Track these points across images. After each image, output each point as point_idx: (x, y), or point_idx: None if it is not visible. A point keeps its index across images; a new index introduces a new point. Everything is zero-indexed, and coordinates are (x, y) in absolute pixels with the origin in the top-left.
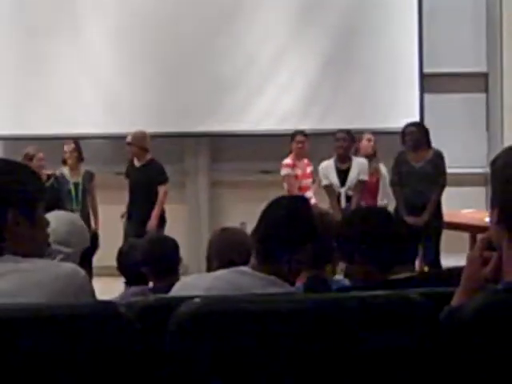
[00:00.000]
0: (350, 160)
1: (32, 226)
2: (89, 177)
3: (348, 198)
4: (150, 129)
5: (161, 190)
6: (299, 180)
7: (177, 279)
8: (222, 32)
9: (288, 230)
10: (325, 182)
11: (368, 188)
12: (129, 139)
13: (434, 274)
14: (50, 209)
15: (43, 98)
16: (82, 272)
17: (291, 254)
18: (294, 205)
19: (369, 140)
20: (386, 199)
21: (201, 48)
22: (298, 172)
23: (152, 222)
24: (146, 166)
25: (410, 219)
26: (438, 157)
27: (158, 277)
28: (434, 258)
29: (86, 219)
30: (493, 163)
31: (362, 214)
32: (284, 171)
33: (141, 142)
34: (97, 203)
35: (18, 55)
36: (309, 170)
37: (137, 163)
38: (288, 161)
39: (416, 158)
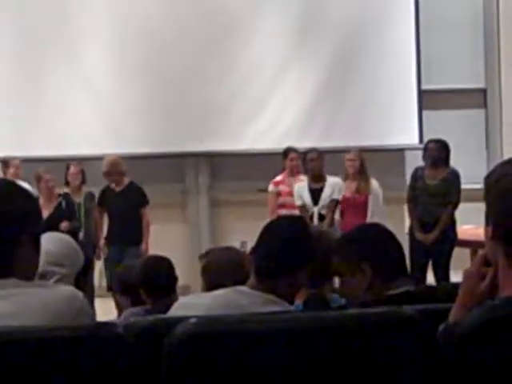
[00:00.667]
0: (323, 180)
1: (37, 250)
2: (90, 198)
3: (321, 217)
4: (150, 149)
5: (144, 213)
6: (283, 197)
7: (175, 299)
8: (221, 51)
9: (287, 251)
10: (298, 203)
11: (356, 206)
12: (105, 169)
13: (432, 289)
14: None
15: (43, 119)
16: (81, 295)
17: (291, 273)
18: (294, 226)
19: (350, 159)
20: (378, 217)
21: (200, 67)
22: (286, 189)
23: (144, 247)
24: (127, 190)
25: (419, 236)
26: (454, 175)
27: (154, 297)
28: (443, 276)
29: (90, 239)
30: (486, 178)
31: (365, 230)
32: (269, 188)
33: (119, 168)
34: (99, 226)
35: (18, 76)
36: None
37: (116, 188)
38: (278, 178)
39: (432, 175)
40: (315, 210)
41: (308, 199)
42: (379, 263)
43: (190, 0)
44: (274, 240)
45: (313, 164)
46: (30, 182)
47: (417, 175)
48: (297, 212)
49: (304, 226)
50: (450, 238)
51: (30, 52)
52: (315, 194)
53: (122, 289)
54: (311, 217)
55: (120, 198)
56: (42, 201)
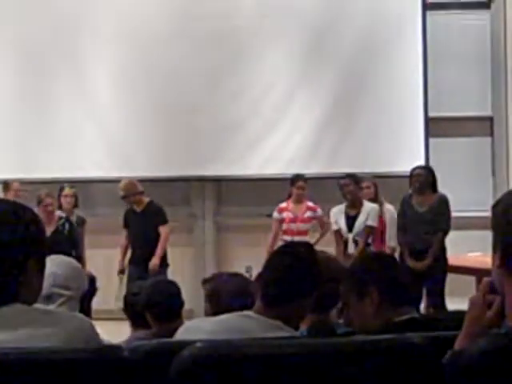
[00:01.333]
0: (360, 205)
1: (42, 273)
2: (81, 222)
3: (356, 244)
4: (156, 173)
5: (163, 230)
6: (287, 223)
7: (180, 324)
8: (228, 76)
9: (294, 277)
10: (334, 227)
11: (375, 232)
12: (121, 193)
13: (438, 316)
14: (61, 251)
15: (49, 142)
16: (89, 321)
17: (298, 300)
18: (300, 252)
19: (367, 187)
20: (394, 241)
21: (206, 92)
22: (289, 215)
23: (154, 261)
24: (146, 210)
25: (411, 263)
26: (443, 202)
27: (160, 321)
28: (439, 302)
29: (80, 262)
30: (494, 207)
31: (371, 257)
32: (274, 214)
33: (133, 190)
34: (84, 251)
35: (23, 101)
36: (308, 214)
37: (137, 209)
38: (283, 204)
39: (420, 202)
40: (350, 236)
41: (343, 225)
42: (386, 289)
43: (199, 23)
44: (281, 266)
45: (348, 190)
46: (31, 205)
47: (405, 203)
48: (298, 238)
49: (311, 253)
50: (442, 265)
51: (36, 75)
52: (350, 220)
53: (126, 308)
54: (345, 242)
55: (140, 217)
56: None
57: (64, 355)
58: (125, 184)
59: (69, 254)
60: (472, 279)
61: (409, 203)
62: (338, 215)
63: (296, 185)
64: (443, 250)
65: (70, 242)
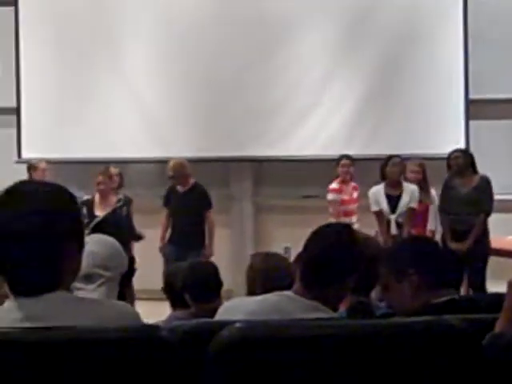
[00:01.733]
0: (401, 186)
1: (80, 255)
2: (128, 202)
3: (398, 225)
4: (194, 153)
5: (209, 216)
6: (345, 205)
7: (219, 304)
8: (267, 58)
9: (334, 259)
10: (375, 208)
11: (415, 216)
12: (170, 173)
13: (477, 299)
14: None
15: (85, 122)
16: (132, 310)
17: (338, 282)
18: (341, 233)
19: (412, 171)
20: (434, 225)
21: (246, 73)
22: (345, 197)
23: (209, 252)
24: (191, 191)
25: (453, 245)
26: (485, 182)
27: (198, 301)
28: (479, 284)
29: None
30: None
31: (411, 239)
32: (330, 196)
33: (182, 171)
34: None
35: (61, 81)
36: (355, 194)
37: (180, 189)
38: (334, 185)
39: (462, 184)
40: (392, 217)
41: (385, 205)
42: (425, 271)
43: (238, 6)
44: (321, 247)
45: (391, 170)
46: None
47: (448, 184)
48: (355, 219)
49: (351, 233)
50: (483, 247)
51: (75, 58)
52: (392, 201)
53: (165, 289)
54: (388, 223)
55: (184, 198)
56: (97, 200)
57: (103, 335)
58: (174, 164)
59: (123, 236)
60: (510, 262)
61: (451, 185)
62: (378, 196)
63: (340, 163)
64: (485, 231)
65: (125, 224)
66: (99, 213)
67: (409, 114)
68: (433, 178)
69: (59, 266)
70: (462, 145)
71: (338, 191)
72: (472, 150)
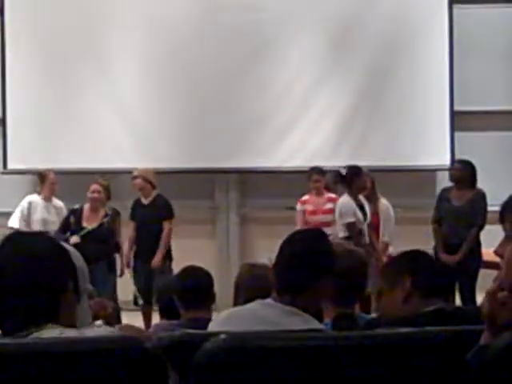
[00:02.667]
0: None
1: (77, 299)
2: (115, 214)
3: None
4: (180, 164)
5: (166, 226)
6: (309, 216)
7: (209, 314)
8: (253, 70)
9: (303, 263)
10: (351, 220)
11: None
12: (135, 173)
13: (467, 310)
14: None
15: (71, 133)
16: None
17: (308, 285)
18: (309, 238)
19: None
20: (388, 237)
21: (232, 85)
22: (309, 208)
23: (156, 258)
24: (154, 202)
25: (444, 257)
26: (480, 197)
27: (187, 308)
28: (470, 297)
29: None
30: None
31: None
32: (297, 207)
33: (147, 175)
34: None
35: (47, 91)
36: (328, 206)
37: (144, 201)
38: (305, 197)
39: (457, 197)
40: (365, 225)
41: (361, 215)
42: (419, 279)
43: (225, 14)
44: (288, 254)
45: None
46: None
47: (443, 196)
48: (331, 231)
49: (318, 239)
50: (475, 260)
51: (61, 69)
52: (362, 210)
53: (157, 298)
54: (361, 232)
55: (147, 209)
56: (86, 211)
57: (86, 346)
58: (143, 168)
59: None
60: (495, 274)
61: (445, 196)
62: (353, 207)
63: (311, 178)
64: (478, 245)
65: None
66: (86, 224)
67: (394, 125)
68: (418, 189)
69: (57, 305)
70: (447, 157)
71: (305, 202)
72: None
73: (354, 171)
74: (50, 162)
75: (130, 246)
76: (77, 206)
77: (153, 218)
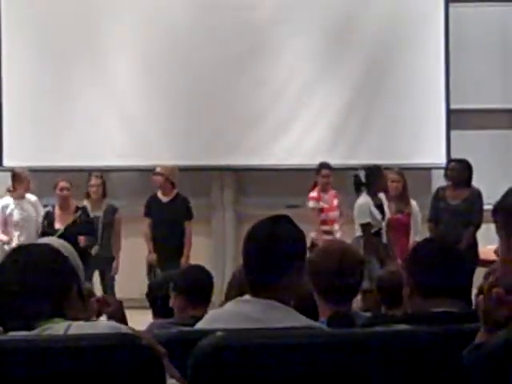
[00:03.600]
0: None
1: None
2: (112, 210)
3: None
4: (176, 161)
5: (188, 226)
6: (325, 213)
7: (204, 312)
8: (250, 67)
9: (261, 257)
10: (367, 220)
11: (399, 226)
12: (158, 169)
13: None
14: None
15: (69, 130)
16: (122, 327)
17: (278, 275)
18: (263, 229)
19: (394, 181)
20: (418, 237)
21: (228, 83)
22: (324, 205)
23: (185, 260)
24: (174, 201)
25: None
26: (476, 196)
27: (186, 306)
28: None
29: (107, 253)
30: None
31: (420, 245)
32: (311, 204)
33: (170, 174)
34: (120, 240)
35: (43, 89)
36: (335, 202)
37: (163, 198)
38: (314, 194)
39: (453, 196)
40: (384, 224)
41: (379, 215)
42: (421, 278)
43: (221, 16)
44: (247, 251)
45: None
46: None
47: (439, 195)
48: (337, 227)
49: (274, 226)
50: (471, 258)
51: (57, 66)
52: (380, 209)
53: (148, 297)
54: (379, 232)
55: (166, 208)
56: (57, 211)
57: (83, 342)
58: (166, 166)
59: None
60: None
61: (441, 195)
62: (370, 207)
63: (321, 173)
64: (475, 243)
65: (86, 233)
66: (59, 225)
67: (391, 123)
68: (414, 188)
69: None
70: (443, 155)
71: (317, 199)
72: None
73: (373, 171)
74: (46, 160)
75: (150, 243)
76: (48, 208)
77: (172, 216)
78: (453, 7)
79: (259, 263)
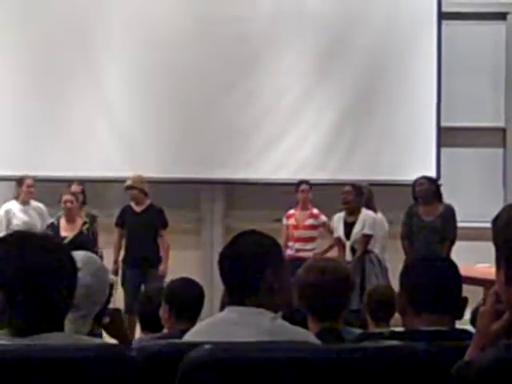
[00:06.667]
0: (358, 213)
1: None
2: (92, 219)
3: (353, 251)
4: (166, 174)
5: (165, 234)
6: (293, 230)
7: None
8: (241, 80)
9: (231, 273)
10: (335, 235)
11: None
12: (129, 183)
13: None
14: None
15: (57, 140)
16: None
17: (253, 293)
18: (232, 245)
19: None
20: (377, 250)
21: (219, 96)
22: (293, 222)
23: (163, 268)
24: (147, 211)
25: None
26: (449, 211)
27: (176, 320)
28: None
29: None
30: (494, 222)
31: (409, 262)
32: (283, 220)
33: (142, 185)
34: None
35: (32, 97)
36: (310, 221)
37: (137, 208)
38: (291, 211)
39: (426, 212)
40: (348, 243)
41: (341, 232)
42: (414, 294)
43: (214, 25)
44: (226, 267)
45: (347, 198)
46: (44, 202)
47: (412, 212)
48: (312, 246)
49: (240, 241)
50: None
51: (48, 75)
52: (348, 228)
53: (139, 310)
54: (344, 249)
55: (140, 218)
56: (62, 223)
57: (70, 354)
58: (135, 176)
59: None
60: (480, 290)
61: (414, 212)
62: (337, 222)
63: (299, 189)
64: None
65: (92, 245)
66: (65, 234)
67: (381, 140)
68: (403, 204)
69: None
70: (433, 172)
71: (290, 216)
72: (443, 177)
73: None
74: (34, 170)
75: (117, 255)
76: (52, 220)
77: (146, 225)
78: (445, 25)
79: (234, 279)
